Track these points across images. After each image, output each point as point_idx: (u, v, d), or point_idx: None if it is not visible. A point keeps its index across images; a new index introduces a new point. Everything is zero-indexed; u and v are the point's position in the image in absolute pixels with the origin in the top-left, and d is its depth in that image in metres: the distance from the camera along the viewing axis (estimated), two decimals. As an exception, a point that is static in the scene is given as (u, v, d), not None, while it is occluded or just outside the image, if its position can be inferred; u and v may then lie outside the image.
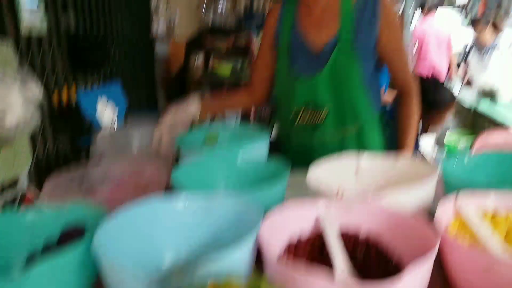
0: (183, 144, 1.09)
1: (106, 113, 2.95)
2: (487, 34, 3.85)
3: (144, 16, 4.71)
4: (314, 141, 1.26)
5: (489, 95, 3.16)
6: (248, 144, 1.01)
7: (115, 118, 3.00)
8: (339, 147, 1.20)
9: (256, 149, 1.03)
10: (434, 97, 1.86)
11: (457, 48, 4.87)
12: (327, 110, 1.20)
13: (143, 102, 4.65)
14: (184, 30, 5.58)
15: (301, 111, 1.23)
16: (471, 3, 5.89)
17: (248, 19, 5.02)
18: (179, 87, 4.99)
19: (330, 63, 1.16)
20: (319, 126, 1.23)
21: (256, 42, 4.66)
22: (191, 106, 1.22)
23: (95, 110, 2.87)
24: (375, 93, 1.27)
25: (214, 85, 4.87)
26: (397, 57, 1.23)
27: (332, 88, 1.18)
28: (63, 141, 3.05)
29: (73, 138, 3.11)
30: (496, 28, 3.84)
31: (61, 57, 3.03)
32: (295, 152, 1.29)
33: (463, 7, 6.01)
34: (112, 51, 3.79)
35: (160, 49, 4.91)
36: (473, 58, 3.55)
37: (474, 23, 4.04)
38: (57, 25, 2.99)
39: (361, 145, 1.25)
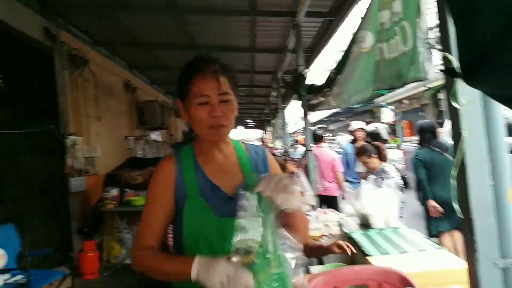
0: None
1: None
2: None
3: (58, 152, 4.99)
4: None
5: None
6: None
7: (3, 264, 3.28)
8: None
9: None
10: None
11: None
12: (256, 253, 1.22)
13: (55, 238, 4.84)
14: (107, 163, 6.06)
15: (234, 255, 1.20)
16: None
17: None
18: (96, 219, 5.34)
19: None
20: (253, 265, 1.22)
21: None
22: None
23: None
24: None
25: (130, 215, 5.36)
26: None
27: None
28: None
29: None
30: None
31: None
32: None
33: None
34: (8, 193, 4.04)
35: (76, 183, 5.16)
36: None
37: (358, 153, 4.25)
38: None
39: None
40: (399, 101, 18.48)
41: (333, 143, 18.56)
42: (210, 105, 1.27)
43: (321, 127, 33.69)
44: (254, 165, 1.42)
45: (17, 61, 4.51)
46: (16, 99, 4.43)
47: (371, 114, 25.36)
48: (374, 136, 5.54)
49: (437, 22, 1.62)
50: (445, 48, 1.57)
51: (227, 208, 1.27)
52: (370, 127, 6.00)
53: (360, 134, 5.87)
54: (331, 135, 33.30)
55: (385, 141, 5.60)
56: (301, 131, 37.59)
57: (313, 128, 6.68)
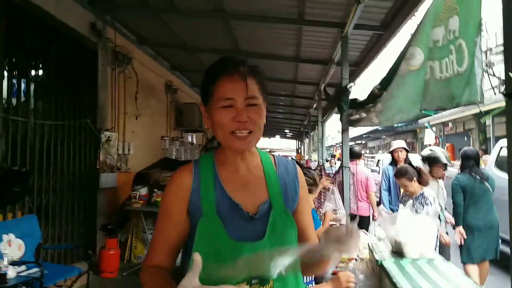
0: None
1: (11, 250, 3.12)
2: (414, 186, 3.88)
3: (92, 146, 4.99)
4: None
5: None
6: None
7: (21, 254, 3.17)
8: None
9: None
10: None
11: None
12: (272, 282, 1.10)
13: (79, 233, 4.84)
14: (140, 161, 5.99)
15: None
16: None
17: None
18: (121, 216, 5.27)
19: (270, 228, 1.15)
20: None
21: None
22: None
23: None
24: None
25: (156, 216, 5.01)
26: (308, 216, 1.32)
27: None
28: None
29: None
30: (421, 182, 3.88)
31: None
32: None
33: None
34: (37, 184, 4.04)
35: (107, 179, 5.15)
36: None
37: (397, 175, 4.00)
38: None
39: None
40: (443, 124, 17.84)
41: (371, 161, 18.08)
42: (235, 109, 1.13)
43: (359, 143, 33.07)
44: (282, 183, 1.25)
45: (61, 54, 4.61)
46: (57, 90, 4.51)
47: (414, 134, 24.65)
48: (431, 160, 4.74)
49: (501, 40, 1.45)
50: (510, 68, 1.39)
51: (246, 231, 1.13)
52: (426, 151, 5.05)
53: (402, 155, 5.26)
54: (368, 152, 32.61)
55: (445, 166, 4.80)
56: (339, 146, 37.08)
57: (351, 143, 6.44)
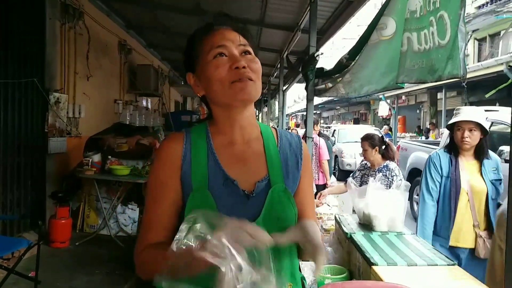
0: None
1: None
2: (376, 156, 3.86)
3: (40, 108, 4.64)
4: None
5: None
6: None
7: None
8: None
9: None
10: None
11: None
12: None
13: (26, 201, 4.55)
14: (91, 126, 5.73)
15: None
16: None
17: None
18: (72, 184, 5.06)
19: (266, 208, 1.02)
20: None
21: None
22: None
23: None
24: None
25: (110, 185, 5.12)
26: (309, 197, 1.18)
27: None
28: None
29: None
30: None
31: None
32: None
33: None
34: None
35: (56, 144, 4.86)
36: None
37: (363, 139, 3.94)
38: None
39: None
40: (397, 96, 18.32)
41: (326, 131, 18.40)
42: (230, 57, 1.00)
43: (314, 113, 33.62)
44: (283, 160, 1.12)
45: (2, 3, 4.08)
46: (-1, 44, 4.03)
47: (367, 106, 25.25)
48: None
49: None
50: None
51: (240, 210, 0.99)
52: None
53: (474, 136, 2.85)
54: (322, 122, 33.21)
55: None
56: (294, 115, 37.24)
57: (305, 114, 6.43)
